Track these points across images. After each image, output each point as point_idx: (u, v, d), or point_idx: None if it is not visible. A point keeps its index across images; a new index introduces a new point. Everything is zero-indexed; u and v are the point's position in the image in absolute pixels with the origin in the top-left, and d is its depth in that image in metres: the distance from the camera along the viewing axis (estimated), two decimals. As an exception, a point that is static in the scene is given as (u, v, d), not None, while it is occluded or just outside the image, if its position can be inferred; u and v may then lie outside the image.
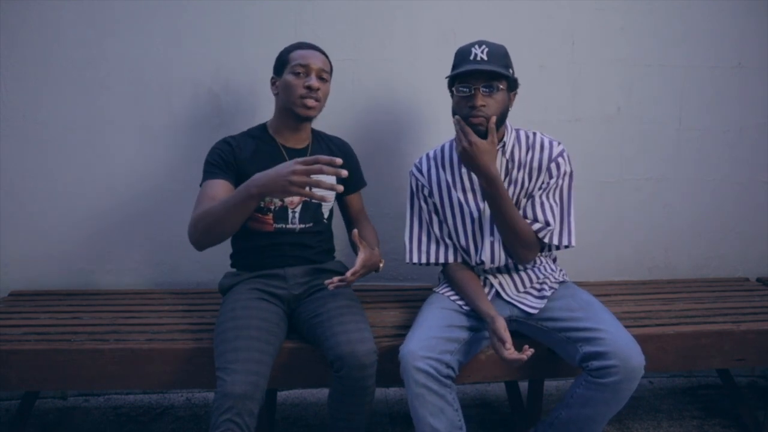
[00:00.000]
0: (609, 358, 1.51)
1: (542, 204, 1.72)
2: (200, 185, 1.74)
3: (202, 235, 1.58)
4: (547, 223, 1.72)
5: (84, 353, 1.71)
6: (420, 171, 1.82)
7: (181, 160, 2.15)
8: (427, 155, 1.83)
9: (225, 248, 1.83)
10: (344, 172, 1.39)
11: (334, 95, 2.10)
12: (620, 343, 1.53)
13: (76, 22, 2.05)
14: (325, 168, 1.40)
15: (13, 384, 1.73)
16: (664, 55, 2.25)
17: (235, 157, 1.73)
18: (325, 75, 1.75)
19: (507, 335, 1.55)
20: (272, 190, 1.45)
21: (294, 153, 1.79)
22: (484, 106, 1.60)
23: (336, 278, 1.59)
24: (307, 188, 1.43)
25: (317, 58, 1.74)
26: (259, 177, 1.47)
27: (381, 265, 1.73)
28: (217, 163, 1.72)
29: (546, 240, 1.73)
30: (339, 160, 1.40)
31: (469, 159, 1.59)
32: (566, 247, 1.76)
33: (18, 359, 1.70)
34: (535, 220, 1.72)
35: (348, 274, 1.59)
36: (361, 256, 1.62)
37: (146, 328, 1.84)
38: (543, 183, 1.72)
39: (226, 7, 2.09)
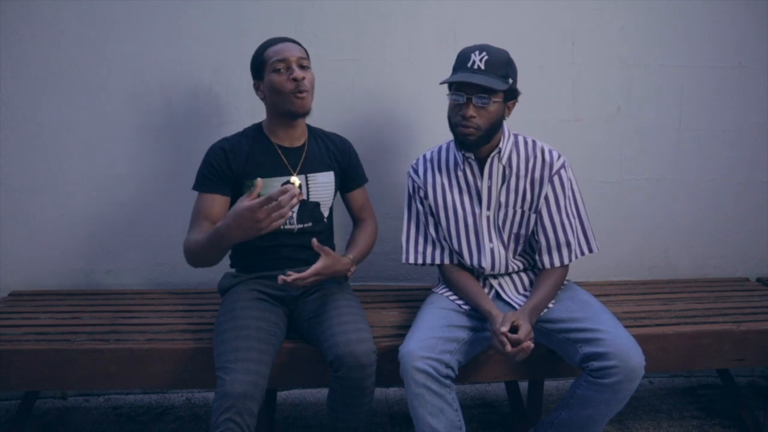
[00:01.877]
0: (609, 358, 1.51)
1: (562, 224, 1.73)
2: (193, 188, 1.75)
3: (192, 262, 1.66)
4: (568, 244, 1.73)
5: (84, 353, 1.71)
6: (416, 172, 1.81)
7: (181, 160, 2.15)
8: (424, 156, 1.83)
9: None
10: (295, 201, 1.39)
11: (334, 95, 2.11)
12: (620, 344, 1.53)
13: (76, 22, 2.05)
14: (283, 199, 1.39)
15: (13, 384, 1.74)
16: (664, 55, 2.25)
17: (229, 163, 1.72)
18: (305, 62, 1.70)
19: (504, 327, 1.55)
20: (245, 238, 1.46)
21: (290, 152, 1.78)
22: (474, 117, 1.59)
23: (291, 276, 1.54)
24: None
25: (293, 49, 1.69)
26: (228, 233, 1.46)
27: (350, 272, 1.72)
28: (211, 175, 1.72)
29: (573, 259, 1.75)
30: (295, 190, 1.39)
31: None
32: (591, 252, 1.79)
33: (18, 359, 1.70)
34: (558, 245, 1.73)
35: (290, 278, 1.54)
36: (317, 265, 1.59)
37: (146, 328, 1.85)
38: (547, 196, 1.72)
39: (226, 7, 2.09)
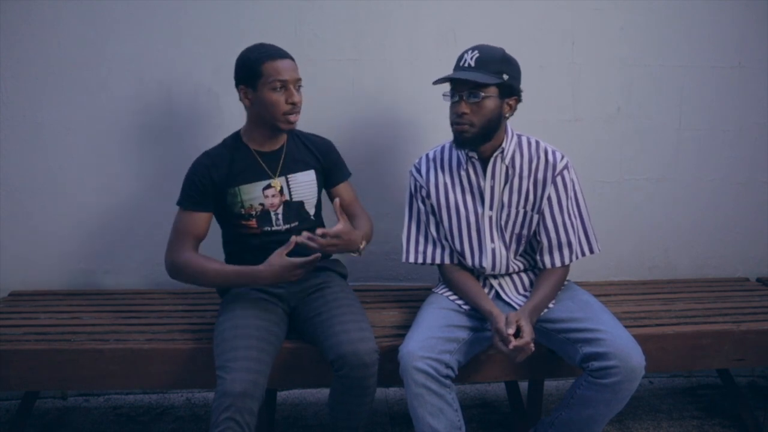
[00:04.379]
0: (609, 358, 1.51)
1: (564, 224, 1.73)
2: (177, 203, 1.75)
3: (182, 280, 1.72)
4: (569, 244, 1.73)
5: (84, 353, 1.71)
6: (419, 172, 1.81)
7: (181, 159, 2.13)
8: (427, 156, 1.83)
9: (222, 250, 1.84)
10: (314, 245, 1.58)
11: (334, 95, 2.11)
12: (620, 344, 1.53)
13: (76, 22, 2.05)
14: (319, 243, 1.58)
15: (13, 384, 1.74)
16: (664, 55, 2.25)
17: (212, 178, 1.72)
18: (300, 82, 1.71)
19: (511, 330, 1.55)
20: (276, 283, 1.65)
21: (268, 156, 1.77)
22: (467, 113, 1.60)
23: (305, 234, 1.60)
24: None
25: (292, 69, 1.68)
26: (268, 277, 1.61)
27: (361, 247, 1.71)
28: (195, 193, 1.72)
29: (574, 259, 1.75)
30: (315, 239, 1.57)
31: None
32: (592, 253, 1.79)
33: (18, 359, 1.70)
34: (559, 245, 1.73)
35: (318, 231, 1.60)
36: (339, 226, 1.62)
37: (146, 328, 1.85)
38: (549, 197, 1.72)
39: (226, 7, 2.09)
